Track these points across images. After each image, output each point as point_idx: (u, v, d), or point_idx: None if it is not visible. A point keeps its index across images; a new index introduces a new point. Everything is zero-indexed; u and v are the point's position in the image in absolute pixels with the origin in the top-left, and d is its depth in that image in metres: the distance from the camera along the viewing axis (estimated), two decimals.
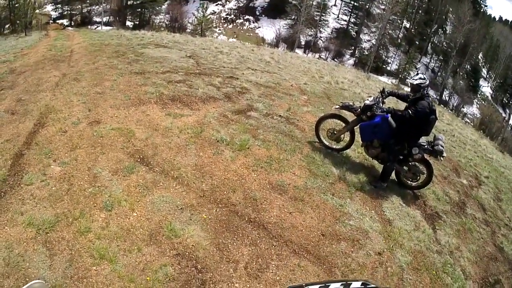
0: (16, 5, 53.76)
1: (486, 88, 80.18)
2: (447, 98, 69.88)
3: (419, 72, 7.63)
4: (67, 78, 11.17)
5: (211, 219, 5.81)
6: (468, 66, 75.48)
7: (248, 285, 4.94)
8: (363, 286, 2.35)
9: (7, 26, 56.26)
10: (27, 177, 6.16)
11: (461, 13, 69.38)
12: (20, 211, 5.41)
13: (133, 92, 10.05)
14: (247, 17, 76.00)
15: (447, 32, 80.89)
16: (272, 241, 5.69)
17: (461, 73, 73.09)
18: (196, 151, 7.50)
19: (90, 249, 4.89)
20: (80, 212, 5.49)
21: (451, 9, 78.81)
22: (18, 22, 49.43)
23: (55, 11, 69.64)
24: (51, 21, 65.03)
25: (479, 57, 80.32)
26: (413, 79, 7.42)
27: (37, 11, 61.96)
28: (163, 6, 69.25)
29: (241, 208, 6.19)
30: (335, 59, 66.90)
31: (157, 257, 4.97)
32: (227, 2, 78.10)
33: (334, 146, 8.72)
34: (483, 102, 75.54)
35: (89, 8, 66.29)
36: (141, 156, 7.06)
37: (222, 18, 75.28)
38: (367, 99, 7.97)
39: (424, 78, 7.31)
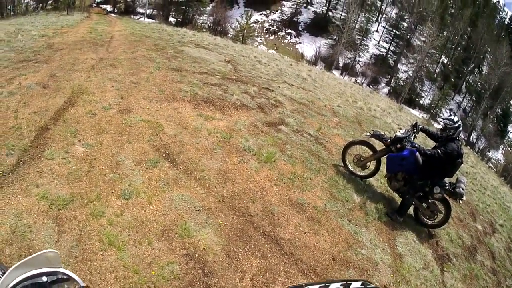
0: None
1: None
2: (474, 140, 68.95)
3: (451, 113, 7.58)
4: (103, 63, 11.49)
5: (226, 226, 5.87)
6: (499, 110, 74.38)
7: None
8: (362, 286, 2.35)
9: (50, 1, 58.19)
10: (49, 152, 6.36)
11: (499, 54, 68.80)
12: (36, 183, 5.59)
13: (168, 87, 10.28)
14: (289, 31, 76.66)
15: (483, 72, 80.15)
16: (282, 257, 5.71)
17: (492, 116, 72.06)
18: (222, 156, 7.61)
19: (100, 234, 4.99)
20: (97, 196, 5.62)
21: (489, 49, 78.14)
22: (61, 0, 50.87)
23: None
24: (94, 5, 67.04)
25: (511, 102, 79.20)
26: (442, 118, 7.51)
27: None
28: (208, 8, 70.54)
29: (258, 219, 6.24)
30: (371, 86, 66.73)
31: (166, 253, 5.04)
32: (272, 13, 78.95)
33: (359, 173, 8.74)
34: (509, 149, 74.15)
35: None
36: (167, 152, 7.20)
37: (265, 28, 76.08)
38: (399, 131, 8.03)
39: (453, 120, 7.30)
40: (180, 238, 5.32)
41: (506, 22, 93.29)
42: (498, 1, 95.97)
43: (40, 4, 59.87)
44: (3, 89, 8.68)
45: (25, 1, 57.62)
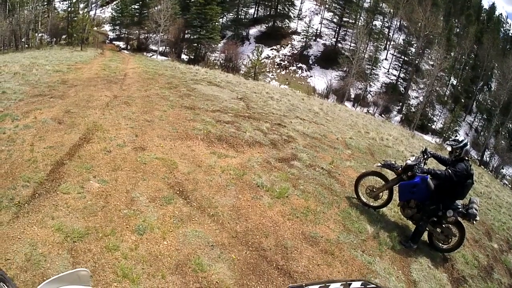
0: (75, 18, 57.33)
1: None
2: (488, 159, 68.00)
3: (457, 134, 7.80)
4: (117, 100, 11.96)
5: (240, 260, 6.05)
6: (510, 125, 73.81)
7: None
8: (363, 286, 2.47)
9: (63, 36, 59.83)
10: (64, 186, 6.71)
11: (506, 68, 68.45)
12: (52, 216, 5.90)
13: (181, 125, 10.69)
14: (300, 64, 77.55)
15: (492, 89, 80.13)
16: None
17: (503, 132, 71.31)
18: (235, 193, 7.87)
19: (114, 266, 5.22)
20: (112, 230, 5.89)
21: (496, 65, 78.26)
22: (75, 35, 52.36)
23: (113, 32, 73.97)
24: (107, 41, 69.01)
25: None
26: (447, 142, 7.77)
27: (94, 28, 65.85)
28: (219, 44, 71.85)
29: (271, 254, 6.41)
30: (383, 115, 66.83)
31: (180, 287, 5.22)
32: (282, 48, 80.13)
33: (371, 204, 8.89)
34: None
35: (146, 35, 69.58)
36: (181, 189, 7.50)
37: (276, 64, 77.02)
38: (409, 159, 8.18)
39: (458, 141, 7.51)
40: (194, 272, 5.51)
41: (510, 34, 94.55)
42: (501, 14, 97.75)
43: (54, 39, 61.61)
44: (19, 122, 9.17)
45: (39, 35, 59.30)
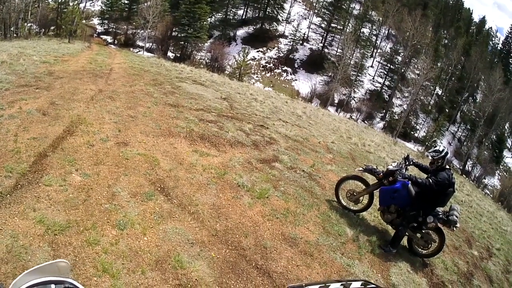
0: (64, 10, 56.76)
1: (509, 159, 78.92)
2: (470, 168, 69.12)
3: (436, 145, 7.96)
4: (102, 95, 11.92)
5: (219, 259, 6.11)
6: (494, 136, 75.02)
7: None
8: (363, 286, 2.51)
9: (52, 27, 59.17)
10: (47, 178, 6.68)
11: (492, 81, 69.81)
12: (33, 207, 5.87)
13: (165, 122, 10.71)
14: (285, 68, 77.77)
15: (477, 100, 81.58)
16: None
17: (486, 143, 72.80)
18: (216, 192, 7.93)
19: (94, 261, 5.23)
20: (92, 224, 5.89)
21: (483, 77, 79.69)
22: (63, 27, 51.87)
23: (101, 26, 73.32)
24: (95, 35, 68.44)
25: (506, 127, 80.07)
26: (427, 153, 8.02)
27: (83, 21, 65.23)
28: (206, 44, 71.66)
29: (250, 253, 6.48)
30: (365, 121, 67.39)
31: (159, 283, 5.25)
32: (268, 50, 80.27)
33: (352, 207, 9.01)
34: (504, 174, 74.17)
35: (134, 31, 69.20)
36: (162, 186, 7.52)
37: (261, 66, 77.09)
38: (391, 165, 8.31)
39: (438, 151, 7.67)
40: (173, 269, 5.55)
41: (499, 48, 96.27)
42: (491, 27, 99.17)
43: (43, 30, 60.79)
44: (4, 111, 9.08)
45: (28, 25, 58.48)
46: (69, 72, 14.18)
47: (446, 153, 7.67)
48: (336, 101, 72.29)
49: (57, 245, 5.32)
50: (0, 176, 6.44)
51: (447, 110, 78.91)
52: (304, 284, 2.47)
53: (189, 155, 9.19)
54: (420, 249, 8.31)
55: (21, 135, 8.05)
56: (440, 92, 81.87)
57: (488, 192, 52.79)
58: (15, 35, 49.67)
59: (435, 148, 7.80)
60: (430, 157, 7.79)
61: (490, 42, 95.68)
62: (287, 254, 6.75)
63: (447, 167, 7.72)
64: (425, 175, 8.06)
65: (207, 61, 66.45)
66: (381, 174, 8.35)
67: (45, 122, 8.93)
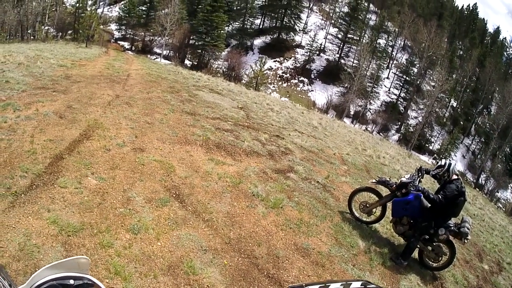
0: (82, 14, 57.62)
1: None
2: (483, 182, 68.08)
3: (438, 161, 7.95)
4: (119, 100, 12.07)
5: (231, 266, 6.12)
6: (508, 149, 73.66)
7: None
8: (363, 286, 2.52)
9: (69, 32, 60.07)
10: (62, 180, 6.79)
11: (506, 92, 68.80)
12: (48, 208, 5.97)
13: (181, 130, 10.81)
14: (302, 78, 77.82)
15: (492, 112, 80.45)
16: None
17: (500, 156, 71.43)
18: (230, 200, 7.97)
19: (107, 263, 5.28)
20: (107, 227, 5.97)
21: (497, 89, 78.51)
22: (81, 32, 52.57)
23: (118, 32, 74.33)
24: (112, 40, 69.37)
25: None
26: (431, 172, 7.94)
27: (101, 26, 66.11)
28: (223, 52, 72.15)
29: (263, 262, 6.48)
30: (381, 133, 66.92)
31: (171, 287, 5.36)
32: (285, 61, 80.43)
33: (364, 219, 8.99)
34: None
35: (151, 38, 69.78)
36: (177, 193, 7.59)
37: (278, 75, 77.24)
38: (404, 176, 8.28)
39: (441, 166, 7.71)
40: (185, 274, 5.58)
41: None
42: (505, 38, 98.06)
43: (60, 33, 61.78)
44: (21, 112, 9.26)
45: (46, 28, 59.38)
46: (86, 77, 14.36)
47: (449, 165, 7.67)
48: (352, 113, 72.16)
49: (70, 245, 5.39)
50: (16, 176, 6.56)
51: (461, 123, 78.32)
52: (304, 285, 2.48)
53: (204, 163, 9.24)
54: (430, 262, 8.24)
55: (38, 136, 8.20)
56: (455, 104, 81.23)
57: (501, 206, 52.11)
58: (32, 37, 50.53)
59: (438, 164, 7.87)
60: (436, 175, 7.80)
61: (505, 53, 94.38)
62: (299, 264, 6.75)
63: (455, 177, 7.69)
64: (438, 185, 8.07)
65: (224, 70, 66.88)
66: (394, 186, 8.31)
67: (61, 125, 9.08)
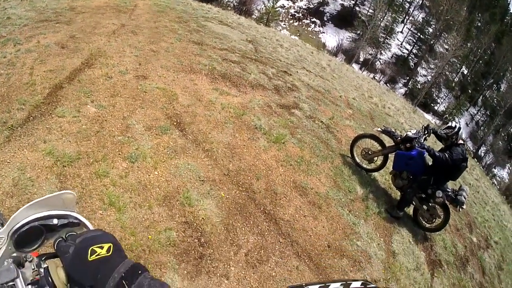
0: None
1: None
2: (482, 154, 67.99)
3: (449, 121, 7.64)
4: (125, 29, 11.36)
5: (228, 199, 5.80)
6: (511, 129, 73.23)
7: (243, 272, 4.91)
8: (363, 286, 2.29)
9: None
10: (60, 109, 6.31)
11: None
12: (44, 139, 5.55)
13: (187, 59, 10.13)
14: (314, 19, 75.47)
15: (501, 89, 78.64)
16: (279, 237, 5.65)
17: (503, 134, 70.85)
18: (232, 131, 7.51)
19: (102, 193, 4.94)
20: (103, 156, 5.57)
21: (510, 68, 76.43)
22: None
23: None
24: None
25: None
26: (441, 130, 7.53)
27: None
28: None
29: (260, 197, 6.17)
30: (388, 84, 65.63)
31: (165, 219, 4.98)
32: (299, 0, 77.97)
33: (365, 166, 8.70)
34: None
35: None
36: (178, 121, 7.11)
37: (290, 14, 74.87)
38: (410, 131, 7.91)
39: (452, 127, 7.35)
40: (181, 205, 5.25)
41: None
42: None
43: None
44: (21, 46, 8.61)
45: None
46: (92, 7, 13.55)
47: (459, 129, 7.30)
48: (361, 60, 70.32)
49: (64, 177, 5.04)
50: (13, 109, 6.11)
51: (469, 91, 75.84)
52: (304, 284, 2.24)
53: (209, 92, 8.70)
54: (424, 222, 8.07)
55: (37, 68, 7.62)
56: (465, 72, 78.36)
57: (496, 183, 51.88)
58: None
59: (448, 125, 7.46)
60: (444, 134, 7.38)
61: None
62: (296, 203, 6.45)
63: (461, 142, 7.36)
64: (442, 145, 7.75)
65: (235, 3, 64.94)
66: (399, 138, 7.92)
67: (63, 55, 8.46)
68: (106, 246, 1.78)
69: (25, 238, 1.87)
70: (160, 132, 6.56)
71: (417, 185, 7.65)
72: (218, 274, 4.72)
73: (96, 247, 1.75)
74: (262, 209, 5.95)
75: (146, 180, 5.43)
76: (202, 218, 5.24)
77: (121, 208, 4.81)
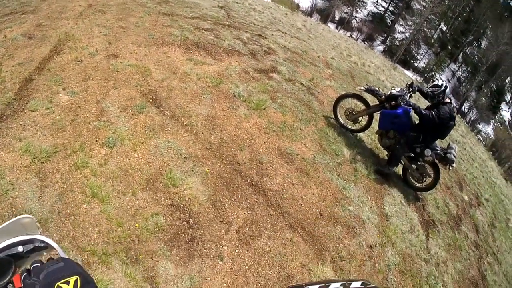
0: None
1: (506, 112, 77.15)
2: (466, 110, 68.26)
3: (435, 79, 7.34)
4: (92, 9, 10.77)
5: (213, 174, 5.55)
6: (494, 86, 72.83)
7: (236, 250, 4.73)
8: (363, 286, 2.23)
9: None
10: (32, 103, 5.88)
11: (500, 32, 66.16)
12: (19, 137, 5.16)
13: (158, 32, 9.63)
14: None
15: (482, 46, 77.78)
16: (269, 209, 5.45)
17: (486, 90, 70.68)
18: (211, 102, 7.16)
19: (83, 185, 4.65)
20: (81, 145, 5.24)
21: (490, 26, 75.13)
22: None
23: None
24: None
25: (507, 80, 77.48)
26: (427, 88, 7.29)
27: None
28: None
29: (246, 168, 5.92)
30: (366, 42, 64.80)
31: (151, 204, 4.72)
32: None
33: (349, 126, 8.45)
34: (499, 125, 73.20)
35: None
36: (154, 97, 6.73)
37: None
38: (394, 89, 7.67)
39: (438, 85, 7.08)
40: (165, 187, 4.99)
41: (511, 4, 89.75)
42: None
43: None
44: None
45: None
46: None
47: (446, 87, 7.06)
48: (337, 19, 69.00)
49: (44, 174, 4.71)
50: None
51: (449, 48, 74.87)
52: (304, 284, 2.29)
53: (183, 63, 8.26)
54: (414, 181, 7.92)
55: (6, 63, 7.08)
56: (444, 29, 76.86)
57: (481, 139, 52.05)
58: None
59: (434, 83, 7.18)
60: (430, 92, 7.11)
61: None
62: (283, 171, 6.22)
63: (448, 100, 7.12)
64: (428, 103, 7.53)
65: None
66: (383, 97, 7.66)
67: (31, 45, 7.92)
68: (72, 280, 1.54)
69: None
70: (136, 112, 6.19)
71: (406, 141, 7.45)
72: (211, 256, 4.52)
73: (62, 283, 1.52)
74: (249, 181, 5.71)
75: (126, 165, 5.12)
76: (189, 198, 4.99)
77: (104, 199, 4.53)
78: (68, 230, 4.12)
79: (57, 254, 1.80)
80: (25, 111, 5.72)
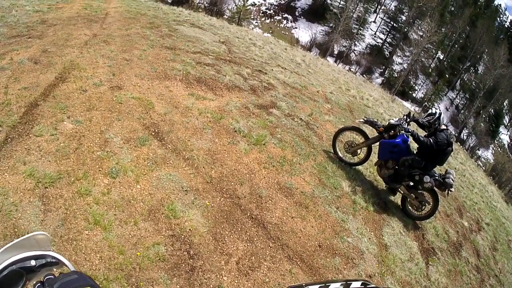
0: None
1: (504, 136, 78.36)
2: (465, 137, 68.98)
3: (429, 108, 7.72)
4: (97, 39, 11.14)
5: (213, 207, 5.72)
6: (492, 110, 73.98)
7: (236, 281, 4.83)
8: (363, 286, 2.27)
9: None
10: (37, 128, 6.11)
11: (496, 56, 67.86)
12: (24, 161, 5.35)
13: (160, 65, 9.98)
14: (285, 15, 75.31)
15: (479, 72, 79.45)
16: (269, 241, 5.59)
17: (484, 116, 71.87)
18: (212, 137, 7.42)
19: (86, 212, 4.80)
20: (84, 174, 5.42)
21: (487, 50, 76.86)
22: None
23: None
24: None
25: (504, 103, 78.80)
26: (422, 118, 7.63)
27: None
28: None
29: (245, 202, 6.09)
30: (364, 75, 65.87)
31: (152, 234, 4.87)
32: None
33: (348, 160, 8.67)
34: (499, 149, 73.98)
35: None
36: (156, 130, 6.98)
37: (261, 12, 74.49)
38: (392, 119, 8.04)
39: (433, 114, 7.45)
40: (167, 218, 5.15)
41: (506, 26, 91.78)
42: (500, 5, 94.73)
43: None
44: None
45: None
46: (63, 19, 13.26)
47: (440, 114, 7.41)
48: (336, 52, 70.41)
49: (47, 198, 4.86)
50: None
51: (447, 76, 76.68)
52: (304, 284, 2.18)
53: (185, 98, 8.58)
54: (413, 211, 8.12)
55: (12, 86, 7.35)
56: (441, 57, 79.06)
57: (481, 165, 52.67)
58: None
59: (429, 112, 7.58)
60: (426, 122, 7.47)
61: (498, 19, 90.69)
62: (282, 205, 6.39)
63: (444, 127, 7.47)
64: (424, 133, 7.80)
65: (205, 5, 64.52)
66: (382, 127, 7.94)
67: (36, 70, 8.22)
68: None
69: (5, 284, 1.74)
70: (139, 144, 6.43)
71: (410, 163, 7.65)
72: (211, 286, 4.64)
73: None
74: (248, 214, 5.89)
75: (129, 195, 5.31)
76: (189, 229, 5.15)
77: (106, 227, 4.69)
78: (70, 254, 4.25)
79: (69, 270, 1.99)
80: (30, 135, 5.94)
